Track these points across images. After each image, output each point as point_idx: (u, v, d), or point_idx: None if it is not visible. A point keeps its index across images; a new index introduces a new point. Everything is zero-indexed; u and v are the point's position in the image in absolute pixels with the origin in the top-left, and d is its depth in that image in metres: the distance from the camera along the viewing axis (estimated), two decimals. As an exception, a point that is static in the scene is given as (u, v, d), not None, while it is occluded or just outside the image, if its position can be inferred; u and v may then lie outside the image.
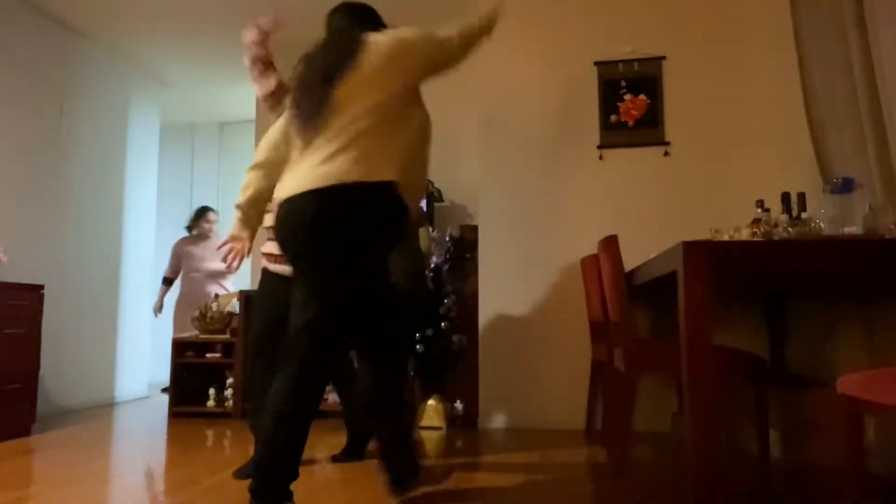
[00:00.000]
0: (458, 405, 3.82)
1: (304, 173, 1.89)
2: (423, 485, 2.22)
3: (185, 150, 6.78)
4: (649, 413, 3.53)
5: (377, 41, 1.96)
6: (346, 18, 2.13)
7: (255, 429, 2.59)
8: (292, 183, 1.91)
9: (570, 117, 3.83)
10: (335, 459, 2.78)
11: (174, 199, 6.64)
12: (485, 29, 2.10)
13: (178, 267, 5.20)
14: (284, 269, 2.58)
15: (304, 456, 2.86)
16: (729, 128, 3.67)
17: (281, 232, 1.93)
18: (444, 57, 2.06)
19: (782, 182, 3.20)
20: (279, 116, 2.50)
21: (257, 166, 2.37)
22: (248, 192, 2.37)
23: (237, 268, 2.46)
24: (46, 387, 4.23)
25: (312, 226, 1.84)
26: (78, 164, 4.64)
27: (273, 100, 2.61)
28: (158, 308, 5.22)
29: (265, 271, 2.68)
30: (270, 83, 2.59)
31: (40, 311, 3.55)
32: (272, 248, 2.63)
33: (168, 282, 5.22)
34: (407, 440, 2.17)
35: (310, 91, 1.95)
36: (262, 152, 2.37)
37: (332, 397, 4.14)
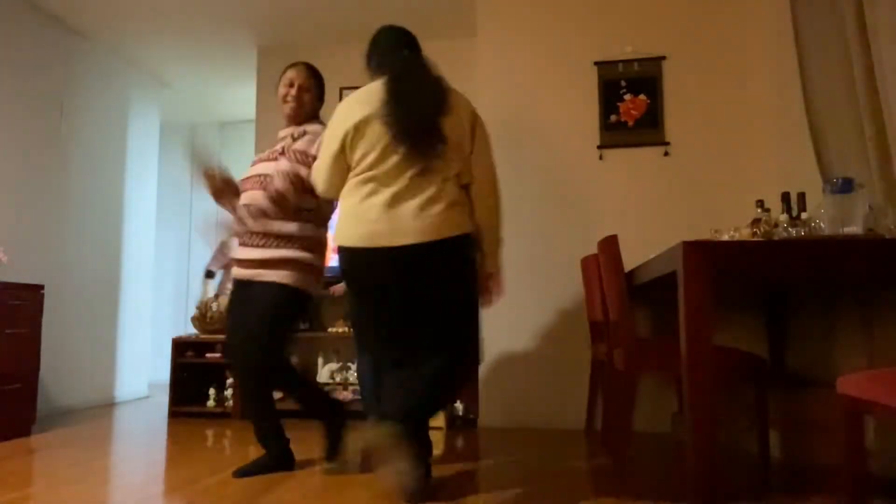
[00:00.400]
0: (458, 405, 3.83)
1: (427, 219, 2.05)
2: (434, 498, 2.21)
3: (185, 151, 6.78)
4: (649, 413, 3.54)
5: (458, 94, 2.19)
6: (413, 46, 2.30)
7: (260, 430, 2.57)
8: (412, 226, 2.04)
9: (570, 117, 3.83)
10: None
11: (174, 199, 6.65)
12: (494, 220, 2.27)
13: (225, 262, 4.97)
14: (244, 272, 2.51)
15: (305, 456, 2.86)
16: (729, 128, 3.67)
17: (402, 267, 2.08)
18: (481, 156, 2.22)
19: (782, 182, 3.20)
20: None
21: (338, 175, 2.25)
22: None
23: None
24: (46, 387, 4.24)
25: (441, 270, 2.10)
26: (78, 165, 4.64)
27: (292, 190, 2.45)
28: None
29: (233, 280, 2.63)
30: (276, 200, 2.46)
31: (40, 311, 3.55)
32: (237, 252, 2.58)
33: (210, 275, 5.05)
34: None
35: (422, 124, 2.07)
36: (332, 189, 2.26)
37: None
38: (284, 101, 2.57)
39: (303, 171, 2.46)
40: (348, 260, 2.17)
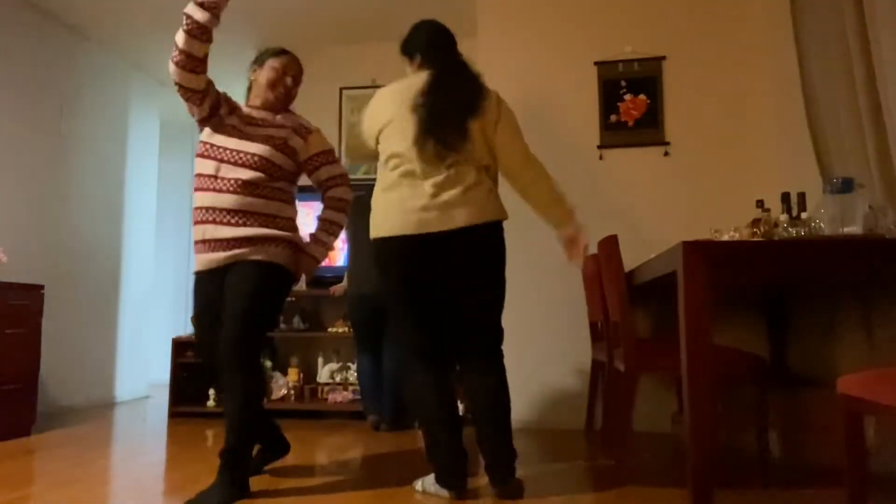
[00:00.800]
0: (459, 405, 3.82)
1: (473, 203, 2.19)
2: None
3: (186, 150, 6.78)
4: (649, 413, 3.53)
5: (495, 96, 2.32)
6: (454, 47, 2.40)
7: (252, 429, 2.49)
8: (460, 210, 2.17)
9: (570, 117, 3.83)
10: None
11: (174, 199, 6.64)
12: (558, 204, 2.38)
13: None
14: (219, 256, 2.25)
15: (304, 457, 2.86)
16: (729, 128, 3.67)
17: (434, 251, 2.19)
18: (507, 136, 2.32)
19: (782, 182, 3.20)
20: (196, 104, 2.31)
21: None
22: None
23: None
24: (46, 387, 4.23)
25: (481, 256, 2.25)
26: (78, 164, 4.64)
27: (197, 98, 2.28)
28: None
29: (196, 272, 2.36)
30: (201, 81, 2.25)
31: (40, 311, 3.55)
32: (196, 234, 2.31)
33: None
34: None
35: (449, 120, 2.21)
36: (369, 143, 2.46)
37: (331, 397, 4.14)
38: (273, 86, 2.43)
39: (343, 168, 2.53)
40: (394, 249, 2.21)
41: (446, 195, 2.17)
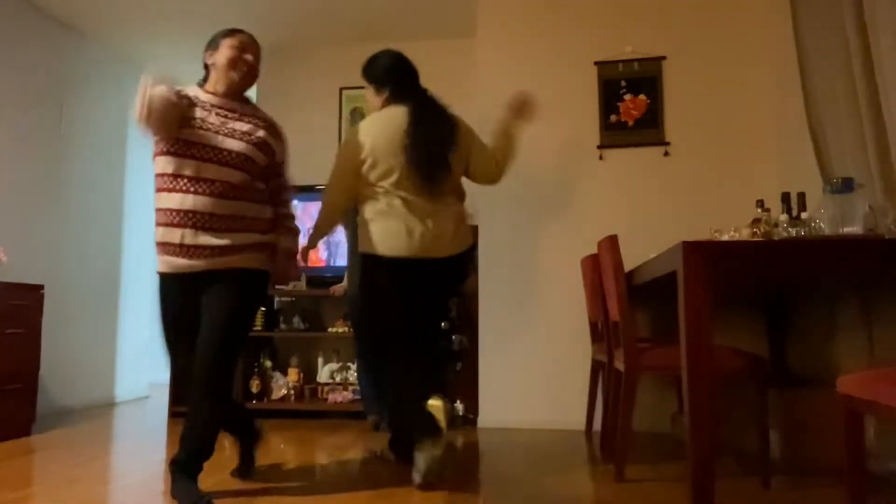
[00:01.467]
0: (458, 405, 3.82)
1: (446, 235, 2.48)
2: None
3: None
4: (649, 413, 3.54)
5: (464, 124, 2.63)
6: (417, 78, 2.63)
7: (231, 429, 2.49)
8: (450, 241, 2.49)
9: (570, 117, 3.83)
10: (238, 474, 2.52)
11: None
12: (508, 137, 2.70)
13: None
14: (198, 263, 2.18)
15: (304, 457, 2.86)
16: (729, 128, 3.67)
17: (426, 271, 2.48)
18: (484, 164, 2.67)
19: (782, 182, 3.21)
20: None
21: (347, 190, 2.56)
22: (335, 217, 2.62)
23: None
24: (46, 387, 4.23)
25: (455, 279, 2.61)
26: (78, 164, 4.64)
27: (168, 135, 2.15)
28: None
29: (162, 275, 2.28)
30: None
31: (40, 311, 3.55)
32: (167, 235, 2.17)
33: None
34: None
35: (433, 157, 2.46)
36: (347, 179, 2.54)
37: (331, 397, 4.15)
38: (234, 65, 2.26)
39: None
40: (392, 266, 2.45)
41: (437, 227, 2.46)
